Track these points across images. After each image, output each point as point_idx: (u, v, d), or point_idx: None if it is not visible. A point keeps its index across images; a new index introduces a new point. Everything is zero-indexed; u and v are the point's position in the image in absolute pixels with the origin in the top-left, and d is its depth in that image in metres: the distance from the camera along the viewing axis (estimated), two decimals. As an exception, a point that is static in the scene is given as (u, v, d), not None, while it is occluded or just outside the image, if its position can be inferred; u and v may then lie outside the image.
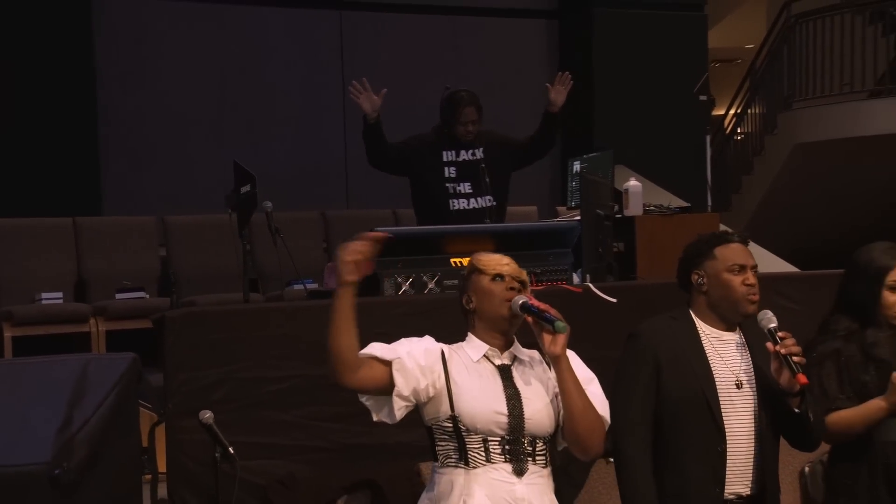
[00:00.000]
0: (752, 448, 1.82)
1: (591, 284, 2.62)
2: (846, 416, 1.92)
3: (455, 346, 1.80)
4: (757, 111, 7.18)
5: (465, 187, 3.21)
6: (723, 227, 3.43)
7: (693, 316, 1.88)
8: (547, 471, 1.75)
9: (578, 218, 2.91)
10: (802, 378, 1.74)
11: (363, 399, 1.75)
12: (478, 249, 1.92)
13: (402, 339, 1.78)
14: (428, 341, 1.79)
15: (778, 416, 1.83)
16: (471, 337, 1.80)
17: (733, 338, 1.88)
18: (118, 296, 4.10)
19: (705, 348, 1.85)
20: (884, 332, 1.99)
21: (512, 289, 1.76)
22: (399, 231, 3.20)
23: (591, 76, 5.66)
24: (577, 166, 3.54)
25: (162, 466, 2.32)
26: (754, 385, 1.83)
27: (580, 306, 2.50)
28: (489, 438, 1.71)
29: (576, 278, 2.76)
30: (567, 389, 1.71)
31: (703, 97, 5.26)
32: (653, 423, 1.84)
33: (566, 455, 1.79)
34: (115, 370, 2.18)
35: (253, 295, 3.84)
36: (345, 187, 5.37)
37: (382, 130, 3.16)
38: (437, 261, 2.59)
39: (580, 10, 5.83)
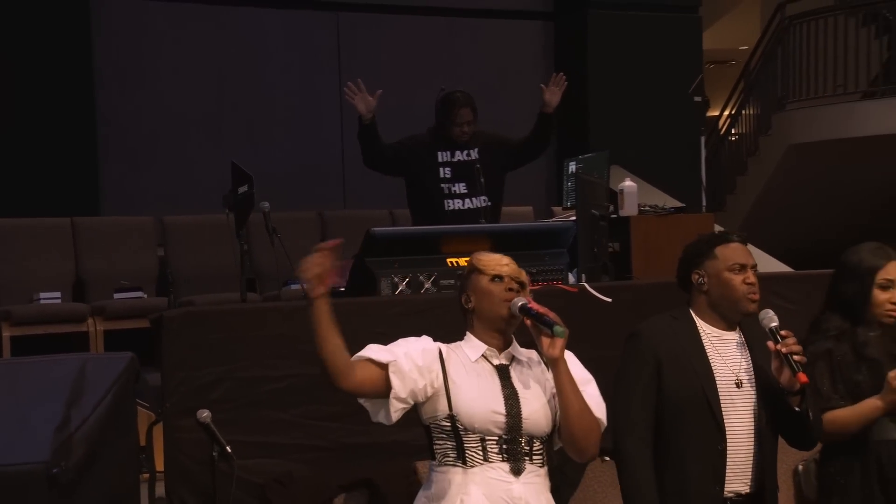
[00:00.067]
0: (752, 447, 1.83)
1: (586, 284, 2.63)
2: (841, 415, 1.93)
3: (453, 345, 1.81)
4: (751, 112, 7.21)
5: (461, 188, 3.22)
6: (718, 228, 3.46)
7: (693, 315, 1.89)
8: (544, 470, 1.76)
9: (574, 218, 2.92)
10: (803, 377, 1.75)
11: (361, 401, 1.76)
12: (474, 249, 1.93)
13: (400, 340, 1.79)
14: (425, 341, 1.80)
15: (777, 415, 1.84)
16: (469, 336, 1.81)
17: (733, 337, 1.89)
18: (116, 296, 4.10)
19: (706, 347, 1.86)
20: (874, 330, 2.00)
21: (511, 289, 1.77)
22: (396, 231, 3.23)
23: (586, 77, 5.68)
24: (572, 167, 3.56)
25: (160, 465, 2.33)
26: (754, 384, 1.85)
27: (576, 306, 2.52)
28: (487, 438, 1.72)
29: (571, 278, 2.77)
30: (564, 391, 1.71)
31: (697, 98, 5.28)
32: (653, 422, 1.85)
33: (562, 454, 1.80)
34: (113, 370, 2.19)
35: (250, 295, 3.84)
36: (342, 187, 5.38)
37: (378, 131, 3.17)
38: (434, 261, 2.60)
39: (575, 11, 5.85)
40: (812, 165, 6.48)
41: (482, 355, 1.78)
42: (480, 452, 1.72)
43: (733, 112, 7.42)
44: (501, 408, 1.73)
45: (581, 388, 1.74)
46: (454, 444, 1.73)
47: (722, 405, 1.82)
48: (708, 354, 1.85)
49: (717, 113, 7.94)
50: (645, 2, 5.86)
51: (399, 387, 1.72)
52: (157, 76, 5.07)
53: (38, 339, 3.83)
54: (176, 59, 5.12)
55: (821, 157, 6.42)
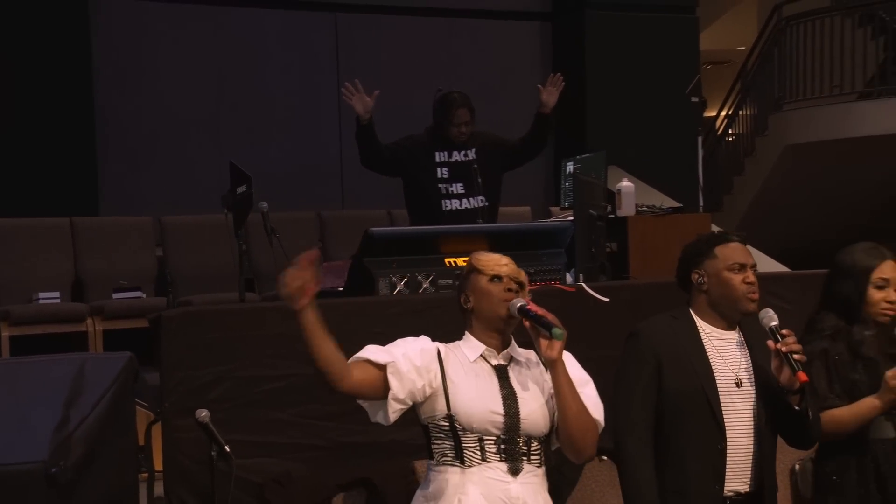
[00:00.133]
0: (751, 446, 1.84)
1: (584, 284, 2.63)
2: (838, 414, 1.94)
3: (452, 344, 1.82)
4: (748, 113, 7.23)
5: (458, 188, 3.22)
6: (715, 228, 3.48)
7: (693, 315, 1.90)
8: (541, 470, 1.76)
9: (572, 218, 2.93)
10: (803, 375, 1.75)
11: (360, 401, 1.77)
12: (472, 249, 1.93)
13: (398, 340, 1.79)
14: (424, 341, 1.80)
15: (776, 414, 1.85)
16: (468, 336, 1.82)
17: (733, 336, 1.89)
18: (115, 295, 4.11)
19: (705, 347, 1.87)
20: (870, 329, 2.01)
21: (510, 290, 1.77)
22: (394, 231, 3.23)
23: (584, 78, 5.70)
24: (570, 167, 3.57)
25: (158, 465, 2.33)
26: (754, 383, 1.85)
27: (573, 306, 2.52)
28: (485, 438, 1.72)
29: (569, 278, 2.77)
30: (562, 393, 1.72)
31: (694, 99, 5.30)
32: (653, 422, 1.85)
33: (560, 453, 1.80)
34: (112, 369, 2.19)
35: (249, 294, 3.85)
36: (340, 188, 5.39)
37: (375, 132, 3.18)
38: (432, 261, 2.60)
39: (573, 12, 5.86)
40: (809, 166, 6.50)
41: (481, 355, 1.79)
42: (478, 452, 1.72)
43: (730, 112, 7.44)
44: (500, 408, 1.73)
45: (579, 389, 1.75)
46: (452, 443, 1.73)
47: (722, 404, 1.83)
48: (708, 354, 1.86)
49: (714, 113, 7.96)
50: (642, 3, 5.88)
51: (397, 388, 1.72)
52: (156, 76, 5.07)
53: (37, 339, 3.84)
54: (175, 59, 5.12)
55: (817, 158, 6.45)
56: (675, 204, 3.47)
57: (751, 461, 1.84)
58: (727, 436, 1.82)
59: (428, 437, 1.78)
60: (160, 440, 2.29)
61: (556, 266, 2.72)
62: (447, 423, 1.73)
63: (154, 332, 2.30)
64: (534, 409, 1.75)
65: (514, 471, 1.72)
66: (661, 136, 5.62)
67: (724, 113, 7.56)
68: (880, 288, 2.00)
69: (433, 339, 1.82)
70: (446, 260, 2.61)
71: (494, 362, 1.79)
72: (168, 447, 2.26)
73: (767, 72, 6.96)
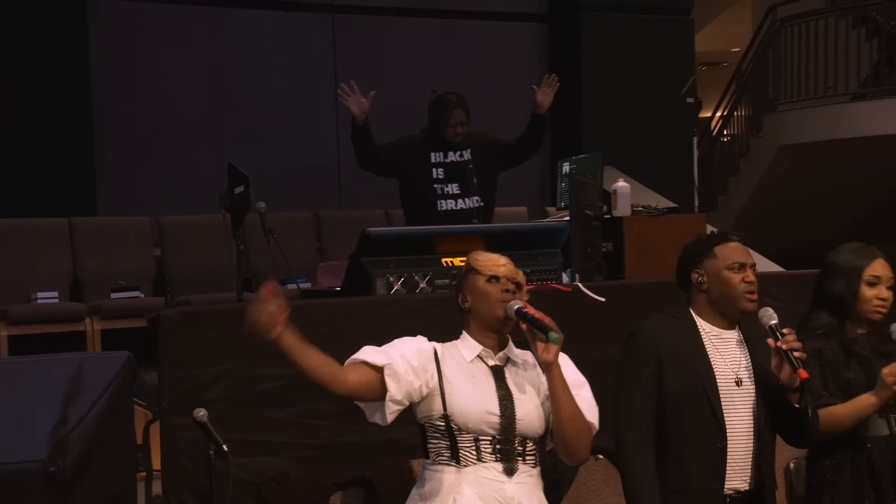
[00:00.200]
0: (751, 444, 1.85)
1: (580, 284, 2.64)
2: (835, 412, 1.95)
3: (449, 344, 1.82)
4: (743, 113, 7.26)
5: (453, 188, 3.23)
6: (710, 228, 3.49)
7: (693, 314, 1.91)
8: (536, 470, 1.77)
9: (568, 218, 2.95)
10: (804, 373, 1.76)
11: (357, 402, 1.77)
12: (469, 249, 1.94)
13: (395, 340, 1.80)
14: (420, 341, 1.81)
15: (775, 413, 1.87)
16: (465, 336, 1.83)
17: (733, 335, 1.90)
18: (113, 295, 4.12)
19: (706, 346, 1.88)
20: (862, 327, 2.03)
21: (507, 290, 1.78)
22: (391, 231, 3.24)
23: (579, 79, 5.72)
24: (566, 167, 3.58)
25: (156, 464, 2.33)
26: (753, 382, 1.86)
27: (569, 305, 2.54)
28: (480, 438, 1.73)
29: (565, 278, 2.79)
30: (557, 396, 1.72)
31: (690, 100, 5.33)
32: (654, 421, 1.86)
33: (554, 454, 1.81)
34: (110, 369, 2.18)
35: (247, 294, 3.83)
36: (337, 188, 5.40)
37: (370, 132, 3.19)
38: (429, 261, 2.61)
39: (569, 13, 5.88)
40: (803, 166, 6.53)
41: (478, 356, 1.79)
42: (474, 452, 1.73)
43: (725, 113, 7.47)
44: (496, 408, 1.74)
45: (574, 391, 1.75)
46: (448, 443, 1.74)
47: (722, 403, 1.84)
48: (708, 353, 1.87)
49: (709, 114, 7.99)
50: (638, 4, 5.90)
51: (395, 389, 1.73)
52: (154, 77, 5.07)
53: (35, 339, 3.84)
54: (173, 60, 5.13)
55: (812, 158, 6.48)
56: (671, 204, 3.49)
57: (750, 460, 1.85)
58: (727, 434, 1.83)
59: (424, 436, 1.79)
60: (158, 439, 2.29)
61: (552, 266, 2.73)
62: (443, 423, 1.74)
63: (152, 332, 2.30)
64: (529, 410, 1.76)
65: (510, 471, 1.73)
66: (657, 136, 5.64)
67: (719, 114, 7.59)
68: (872, 285, 2.02)
69: (430, 339, 1.82)
70: (443, 260, 2.62)
71: (491, 363, 1.80)
72: (166, 446, 2.26)
73: (762, 73, 6.99)
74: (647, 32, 5.85)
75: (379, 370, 1.73)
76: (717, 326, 1.90)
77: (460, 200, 3.25)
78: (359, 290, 2.58)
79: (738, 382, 1.86)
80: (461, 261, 2.22)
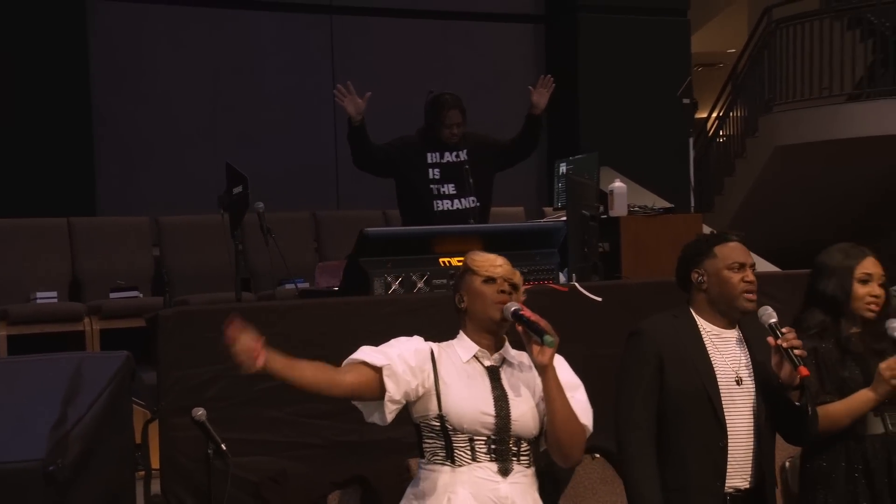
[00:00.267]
0: (751, 443, 1.86)
1: (577, 283, 2.66)
2: (833, 409, 1.96)
3: (445, 344, 1.83)
4: (738, 114, 7.28)
5: (450, 188, 3.25)
6: (706, 228, 3.51)
7: (693, 314, 1.92)
8: (531, 470, 1.78)
9: (564, 218, 2.96)
10: (804, 370, 1.77)
11: (355, 402, 1.78)
12: (466, 249, 1.95)
13: (392, 340, 1.81)
14: (417, 341, 1.82)
15: (775, 411, 1.88)
16: (462, 336, 1.84)
17: (733, 335, 1.91)
18: (112, 295, 4.12)
19: (706, 345, 1.89)
20: (857, 325, 2.04)
21: (503, 291, 1.78)
22: (389, 231, 3.25)
23: (576, 80, 5.74)
24: (563, 168, 3.59)
25: (155, 463, 2.34)
26: (753, 381, 1.87)
27: (566, 305, 2.55)
28: (475, 438, 1.74)
29: (562, 277, 2.80)
30: (551, 398, 1.73)
31: (686, 100, 5.34)
32: (655, 420, 1.86)
33: (548, 455, 1.81)
34: (109, 368, 2.19)
35: (245, 294, 3.87)
36: (335, 188, 5.41)
37: (367, 133, 3.20)
38: (427, 260, 2.62)
39: (566, 15, 5.90)
40: (798, 167, 6.56)
41: (474, 356, 1.80)
42: (469, 452, 1.74)
43: (721, 114, 7.49)
44: (491, 409, 1.75)
45: (569, 393, 1.76)
46: (443, 443, 1.75)
47: (723, 402, 1.85)
48: (709, 352, 1.88)
49: (705, 115, 8.01)
50: (634, 6, 5.92)
51: (393, 390, 1.74)
52: (152, 78, 5.08)
53: (34, 339, 3.85)
54: (172, 60, 5.13)
55: (807, 159, 6.50)
56: (667, 204, 3.50)
57: (751, 458, 1.86)
58: (728, 433, 1.84)
59: (419, 435, 1.80)
60: (157, 438, 2.30)
61: (549, 266, 2.74)
62: (438, 423, 1.75)
63: (151, 332, 2.31)
64: (524, 412, 1.77)
65: (504, 471, 1.74)
66: (653, 137, 5.66)
67: (714, 114, 7.61)
68: (864, 283, 2.03)
69: (427, 339, 1.84)
70: (440, 260, 2.63)
71: (487, 363, 1.80)
72: (165, 445, 2.27)
73: (757, 74, 7.01)
74: (643, 34, 5.88)
75: (377, 370, 1.74)
76: (718, 326, 1.91)
77: (456, 201, 3.26)
78: (357, 290, 2.59)
79: (739, 381, 1.87)
80: (459, 261, 2.23)
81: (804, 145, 6.49)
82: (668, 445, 1.87)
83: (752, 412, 1.87)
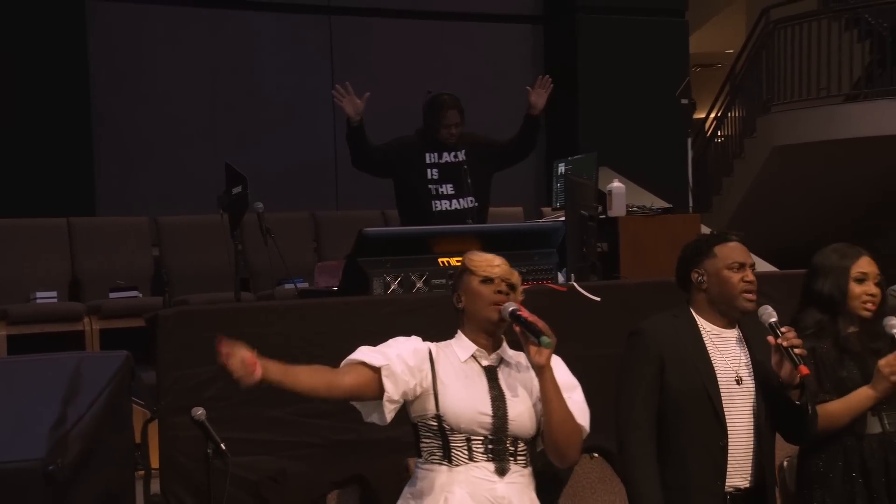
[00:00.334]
0: (751, 442, 1.86)
1: (575, 283, 2.67)
2: (832, 408, 1.96)
3: (443, 344, 1.84)
4: (737, 115, 7.30)
5: (448, 189, 3.25)
6: (704, 228, 3.51)
7: (693, 313, 1.92)
8: (528, 470, 1.79)
9: (563, 218, 2.96)
10: (805, 369, 1.77)
11: (353, 402, 1.79)
12: (465, 249, 1.95)
13: (390, 340, 1.82)
14: (415, 341, 1.82)
15: (775, 410, 1.88)
16: (460, 335, 1.84)
17: (733, 334, 1.91)
18: (112, 295, 4.13)
19: (706, 345, 1.89)
20: (854, 324, 2.05)
21: (500, 292, 1.79)
22: (388, 231, 3.26)
23: (575, 80, 5.74)
24: (561, 168, 3.60)
25: (155, 462, 2.34)
26: (753, 380, 1.87)
27: (565, 305, 2.56)
28: (472, 438, 1.75)
29: (561, 277, 2.81)
30: (548, 399, 1.74)
31: (684, 101, 5.35)
32: (656, 420, 1.87)
33: (545, 455, 1.82)
34: (109, 368, 2.19)
35: (244, 294, 3.88)
36: (334, 188, 5.41)
37: (365, 133, 3.20)
38: (425, 260, 2.62)
39: (565, 15, 5.90)
40: (796, 167, 6.57)
41: (472, 356, 1.81)
42: (466, 452, 1.74)
43: (719, 114, 7.51)
44: (488, 409, 1.76)
45: (566, 394, 1.77)
46: (440, 442, 1.76)
47: (723, 401, 1.85)
48: (709, 352, 1.88)
49: (703, 115, 8.02)
50: (633, 6, 5.92)
51: (392, 390, 1.74)
52: (152, 78, 5.08)
53: (34, 338, 3.85)
54: (171, 61, 5.14)
55: (805, 159, 6.52)
56: (665, 204, 3.51)
57: (751, 457, 1.86)
58: (728, 432, 1.84)
59: (417, 435, 1.80)
60: (157, 438, 2.30)
61: (547, 265, 2.75)
62: (436, 423, 1.76)
63: (150, 332, 2.32)
64: (521, 412, 1.77)
65: (501, 471, 1.75)
66: (652, 137, 5.67)
67: (713, 115, 7.63)
68: (860, 282, 2.04)
69: (426, 338, 1.84)
70: (439, 260, 2.63)
71: (485, 363, 1.81)
72: (164, 445, 2.27)
73: (755, 74, 7.03)
74: (641, 34, 5.88)
75: (376, 371, 1.75)
76: (718, 325, 1.92)
77: (454, 201, 3.26)
78: (356, 290, 2.60)
79: (739, 381, 1.87)
80: (458, 261, 2.24)
81: (802, 145, 6.50)
82: (668, 445, 1.87)
83: (752, 412, 1.87)
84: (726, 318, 1.92)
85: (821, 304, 2.06)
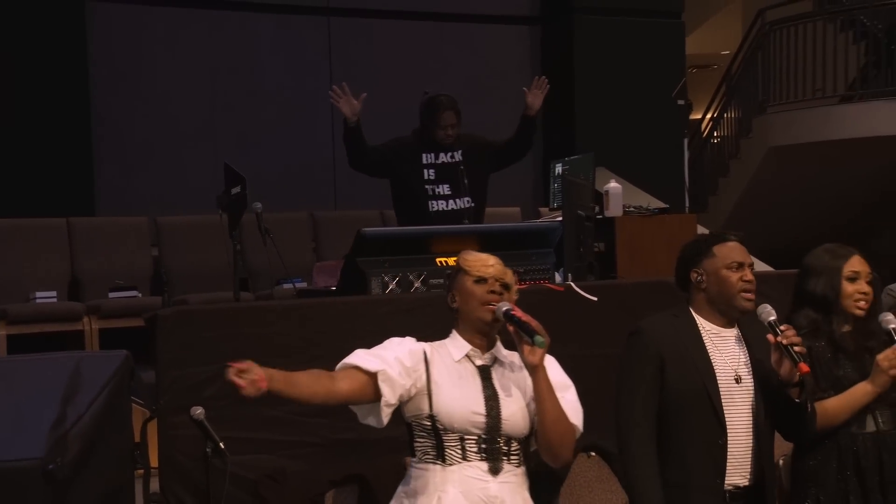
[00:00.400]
0: (750, 440, 1.87)
1: (572, 283, 2.67)
2: (831, 405, 1.98)
3: (438, 343, 1.85)
4: (733, 115, 7.32)
5: (444, 189, 3.26)
6: (701, 228, 3.52)
7: (693, 313, 1.93)
8: (521, 470, 1.80)
9: (560, 219, 2.98)
10: (804, 366, 1.78)
11: (350, 406, 1.80)
12: (463, 249, 1.96)
13: (386, 342, 1.83)
14: (410, 342, 1.83)
15: (774, 409, 1.89)
16: (454, 335, 1.85)
17: (732, 333, 1.93)
18: (111, 295, 4.14)
19: (706, 344, 1.90)
20: (848, 323, 2.07)
21: (493, 292, 1.80)
22: (386, 231, 3.27)
23: (572, 81, 5.76)
24: (559, 168, 3.61)
25: (154, 461, 2.34)
26: (752, 379, 1.89)
27: (562, 305, 2.57)
28: (466, 437, 1.75)
29: (558, 277, 2.82)
30: (541, 398, 1.75)
31: (680, 101, 5.38)
32: (656, 419, 1.87)
33: (538, 455, 1.83)
34: (108, 367, 2.20)
35: (243, 294, 3.89)
36: (333, 188, 5.42)
37: (362, 133, 3.21)
38: (423, 260, 2.63)
39: (562, 16, 5.92)
40: (792, 167, 6.60)
41: (465, 355, 1.82)
42: (459, 451, 1.75)
43: (715, 115, 7.53)
44: (481, 408, 1.76)
45: (559, 393, 1.77)
46: (434, 442, 1.77)
47: (722, 400, 1.86)
48: (708, 351, 1.90)
49: (699, 116, 8.05)
50: (629, 8, 5.94)
51: (389, 394, 1.75)
52: (151, 79, 5.09)
53: (33, 338, 3.86)
54: (170, 61, 5.14)
55: (800, 160, 6.55)
56: (662, 205, 3.52)
57: (750, 456, 1.87)
58: (727, 431, 1.85)
59: (411, 434, 1.82)
60: (156, 437, 2.31)
61: (545, 266, 2.76)
62: (429, 423, 1.77)
63: (150, 331, 2.32)
64: (515, 411, 1.78)
65: (495, 470, 1.75)
66: (648, 138, 5.69)
67: (709, 115, 7.65)
68: (852, 281, 2.05)
69: (424, 338, 1.85)
70: (437, 260, 2.64)
71: (479, 362, 1.82)
72: (163, 444, 2.28)
73: (751, 75, 7.06)
74: (638, 35, 5.90)
75: (372, 375, 1.75)
76: (717, 325, 1.93)
77: (451, 201, 3.27)
78: (354, 290, 2.61)
79: (738, 379, 1.88)
80: (455, 261, 2.25)
81: (798, 146, 6.53)
82: (668, 443, 1.88)
83: (751, 410, 1.88)
84: (725, 317, 1.93)
85: (814, 303, 2.08)
